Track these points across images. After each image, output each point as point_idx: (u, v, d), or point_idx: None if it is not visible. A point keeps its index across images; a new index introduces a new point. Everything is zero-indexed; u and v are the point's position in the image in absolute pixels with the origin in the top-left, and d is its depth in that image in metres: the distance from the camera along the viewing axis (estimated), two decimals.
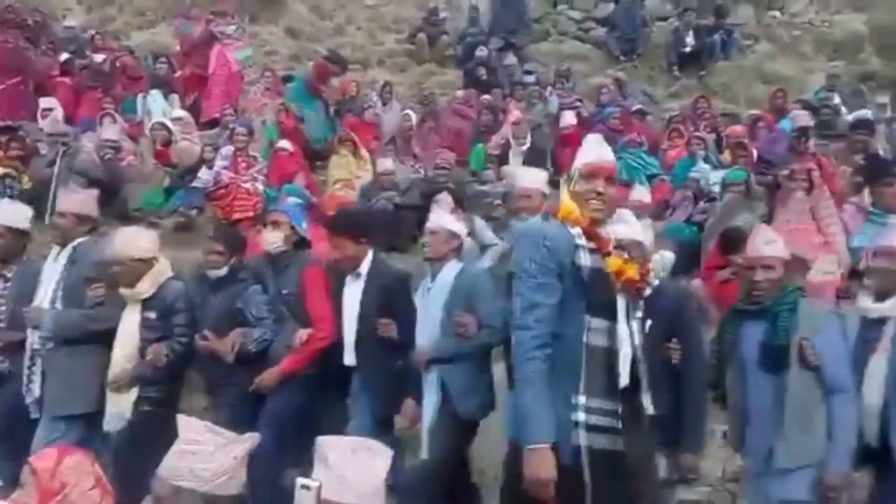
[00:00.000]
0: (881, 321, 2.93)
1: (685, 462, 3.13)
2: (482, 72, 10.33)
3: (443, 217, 3.91)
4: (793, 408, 2.82)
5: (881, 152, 6.82)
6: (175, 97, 8.77)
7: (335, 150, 7.63)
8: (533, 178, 4.33)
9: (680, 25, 11.00)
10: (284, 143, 7.41)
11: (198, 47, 9.01)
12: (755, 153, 7.17)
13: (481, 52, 10.58)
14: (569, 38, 12.07)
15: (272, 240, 3.93)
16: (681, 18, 11.08)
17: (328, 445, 2.32)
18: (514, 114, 8.53)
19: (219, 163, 6.86)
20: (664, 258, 5.70)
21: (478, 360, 3.50)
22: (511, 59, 10.97)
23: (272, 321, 3.84)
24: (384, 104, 9.28)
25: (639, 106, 9.08)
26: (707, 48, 10.65)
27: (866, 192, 5.53)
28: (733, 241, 5.06)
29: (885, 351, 2.87)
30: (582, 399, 2.29)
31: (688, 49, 10.79)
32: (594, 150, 2.48)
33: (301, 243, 4.05)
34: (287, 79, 9.43)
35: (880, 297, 2.95)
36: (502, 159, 7.71)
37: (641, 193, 6.22)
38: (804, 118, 7.40)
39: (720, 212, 5.87)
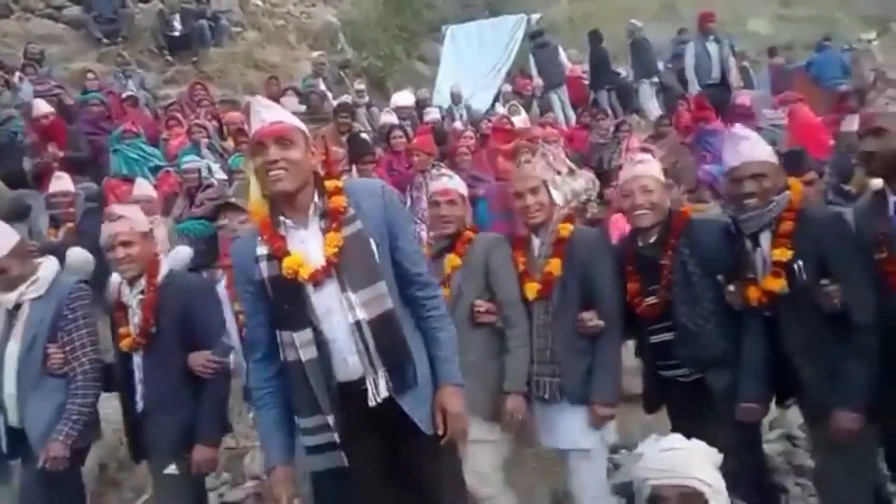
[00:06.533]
0: (17, 308, 2.92)
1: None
2: None
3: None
4: None
5: (363, 133, 7.68)
6: None
7: None
8: None
9: (164, 9, 10.54)
10: None
11: None
12: None
13: None
14: (36, 17, 10.46)
15: None
16: (164, 1, 10.62)
17: None
18: None
19: None
20: (180, 253, 5.43)
21: None
22: None
23: None
24: None
25: (130, 92, 8.42)
26: (196, 33, 10.45)
27: (353, 170, 6.12)
28: None
29: (17, 338, 2.89)
30: (297, 420, 2.18)
31: (177, 34, 10.43)
32: (254, 117, 2.15)
33: None
34: None
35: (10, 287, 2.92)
36: None
37: (145, 188, 5.76)
38: (294, 104, 7.85)
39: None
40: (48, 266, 2.99)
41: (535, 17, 12.33)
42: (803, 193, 3.26)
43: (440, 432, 2.16)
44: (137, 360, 2.90)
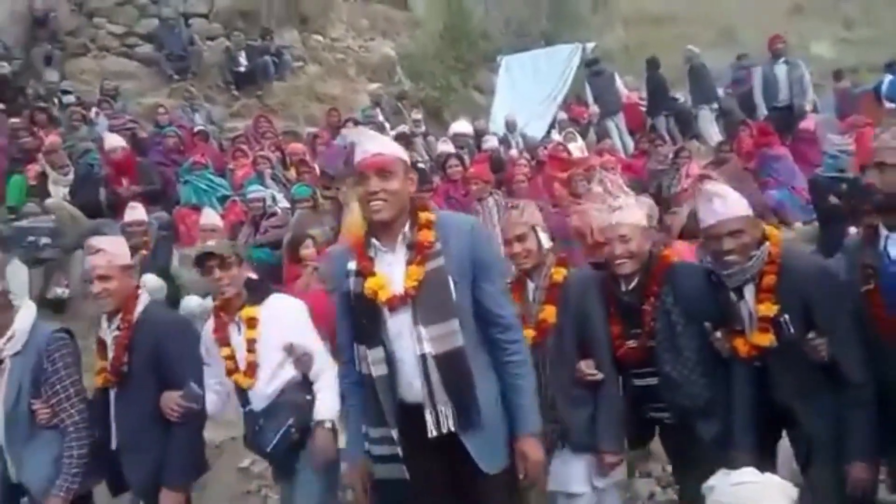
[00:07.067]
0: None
1: None
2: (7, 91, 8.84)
3: None
4: None
5: (420, 162, 7.79)
6: None
7: None
8: None
9: (231, 45, 10.99)
10: None
11: None
12: (317, 169, 7.53)
13: (2, 68, 9.03)
14: (112, 55, 11.06)
15: None
16: (230, 38, 11.08)
17: None
18: (49, 139, 7.40)
19: None
20: None
21: None
22: (53, 75, 9.61)
23: None
24: None
25: (200, 126, 8.79)
26: (261, 68, 10.85)
27: None
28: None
29: (0, 396, 2.81)
30: (366, 430, 2.30)
31: (242, 69, 10.85)
32: (357, 147, 2.28)
33: None
34: None
35: None
36: (42, 192, 6.62)
37: (212, 217, 5.97)
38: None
39: (293, 228, 5.98)
40: (23, 318, 2.84)
41: (591, 45, 12.34)
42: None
43: (521, 476, 2.23)
44: (112, 396, 2.86)
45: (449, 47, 13.51)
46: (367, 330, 2.26)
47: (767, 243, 2.56)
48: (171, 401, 2.77)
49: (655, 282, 2.74)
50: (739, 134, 7.82)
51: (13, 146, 7.65)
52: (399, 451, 2.22)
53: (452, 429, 2.19)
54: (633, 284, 2.78)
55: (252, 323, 2.94)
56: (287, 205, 6.66)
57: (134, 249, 5.61)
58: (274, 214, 6.38)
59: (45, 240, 5.80)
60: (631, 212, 2.81)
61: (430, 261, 2.21)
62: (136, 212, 5.60)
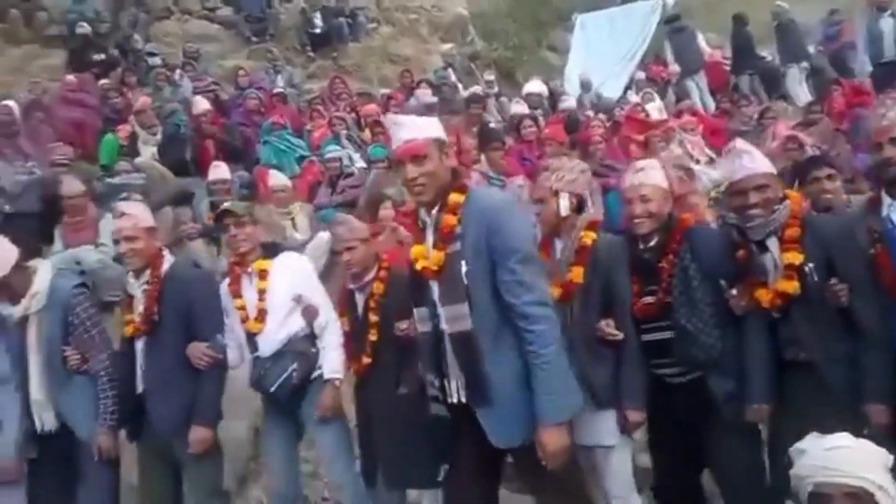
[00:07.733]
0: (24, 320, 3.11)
1: None
2: (91, 53, 9.22)
3: None
4: None
5: (492, 123, 7.75)
6: None
7: None
8: None
9: (307, 7, 11.10)
10: None
11: None
12: None
13: (82, 28, 9.44)
14: (194, 18, 11.37)
15: None
16: (306, 0, 11.18)
17: None
18: (140, 100, 7.71)
19: None
20: (321, 239, 5.75)
21: None
22: (139, 39, 10.01)
23: None
24: None
25: (279, 89, 8.97)
26: (336, 30, 10.93)
27: (483, 158, 6.20)
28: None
29: (34, 350, 3.08)
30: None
31: (318, 31, 10.96)
32: (393, 136, 2.42)
33: None
34: None
35: None
36: (132, 151, 6.93)
37: (281, 178, 6.10)
38: (427, 95, 8.05)
39: (369, 188, 6.09)
40: (41, 276, 3.11)
41: (671, 1, 11.86)
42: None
43: (542, 462, 2.26)
44: (140, 345, 3.12)
45: (522, 6, 13.25)
46: (417, 290, 2.42)
47: (788, 201, 2.70)
48: (199, 350, 3.06)
49: (674, 241, 2.82)
50: (831, 93, 7.42)
51: (106, 106, 8.02)
52: (439, 394, 2.40)
53: (464, 401, 2.32)
54: (651, 243, 2.84)
55: (263, 275, 3.22)
56: (363, 165, 6.76)
57: (217, 206, 5.85)
58: (350, 174, 6.49)
59: (136, 196, 6.08)
60: (653, 173, 2.88)
61: (450, 244, 2.32)
62: (219, 170, 5.80)
